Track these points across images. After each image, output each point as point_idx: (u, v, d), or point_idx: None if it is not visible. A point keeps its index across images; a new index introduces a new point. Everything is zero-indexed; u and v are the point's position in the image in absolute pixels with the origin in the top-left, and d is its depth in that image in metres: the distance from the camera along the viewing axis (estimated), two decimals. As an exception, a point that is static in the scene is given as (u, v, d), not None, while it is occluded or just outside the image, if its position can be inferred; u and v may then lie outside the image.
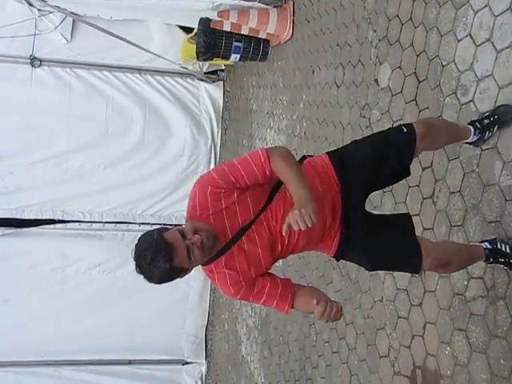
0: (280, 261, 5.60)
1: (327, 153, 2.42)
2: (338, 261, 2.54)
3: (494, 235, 2.65)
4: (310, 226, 1.88)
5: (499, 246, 2.55)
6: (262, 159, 2.13)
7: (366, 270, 2.55)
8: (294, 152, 5.34)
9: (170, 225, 7.93)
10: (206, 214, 2.18)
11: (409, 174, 2.49)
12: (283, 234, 2.02)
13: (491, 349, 2.59)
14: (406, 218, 2.50)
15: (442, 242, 2.92)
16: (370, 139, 2.48)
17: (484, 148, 2.77)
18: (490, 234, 2.66)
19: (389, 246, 2.39)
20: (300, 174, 2.08)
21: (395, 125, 3.42)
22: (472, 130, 2.65)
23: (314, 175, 2.28)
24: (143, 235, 2.08)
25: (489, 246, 2.58)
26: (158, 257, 1.99)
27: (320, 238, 2.35)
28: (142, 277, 2.07)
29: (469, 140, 2.69)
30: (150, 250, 2.00)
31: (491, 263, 2.62)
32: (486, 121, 2.65)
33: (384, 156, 2.35)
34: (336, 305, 2.04)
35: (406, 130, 2.38)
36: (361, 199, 2.42)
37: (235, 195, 2.17)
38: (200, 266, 2.21)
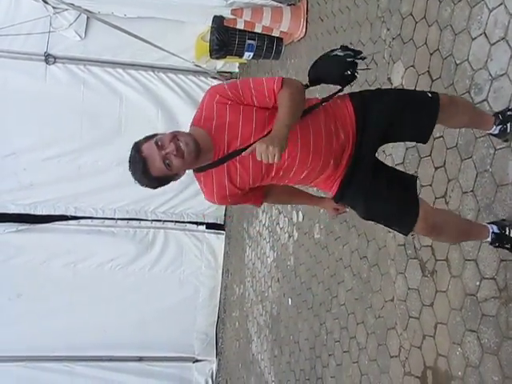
0: (291, 259, 5.63)
1: (350, 96, 2.38)
2: (337, 202, 2.51)
3: (504, 216, 2.63)
4: (269, 162, 1.94)
5: (507, 232, 2.52)
6: (275, 85, 2.18)
7: (361, 217, 2.54)
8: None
9: (183, 222, 7.98)
10: (210, 124, 2.21)
11: (425, 140, 2.44)
12: (243, 154, 2.11)
13: (503, 350, 2.56)
14: (413, 178, 2.48)
15: (441, 210, 2.90)
16: (396, 89, 2.52)
17: (498, 147, 2.74)
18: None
19: (389, 197, 2.37)
20: (294, 116, 2.10)
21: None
22: (493, 119, 2.61)
23: (330, 116, 2.29)
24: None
25: (496, 230, 2.54)
26: (136, 170, 2.14)
27: (319, 175, 2.34)
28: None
29: (491, 131, 2.64)
30: (129, 164, 2.17)
31: (496, 247, 2.58)
32: (508, 112, 2.60)
33: (407, 105, 2.36)
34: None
35: (430, 95, 2.40)
36: (374, 146, 2.39)
37: (241, 113, 2.19)
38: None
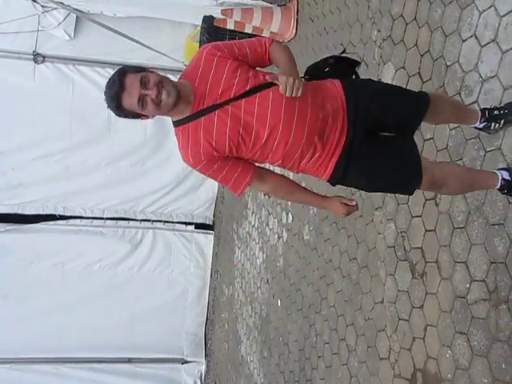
0: (281, 260, 5.62)
1: (341, 80, 2.36)
2: (334, 185, 2.43)
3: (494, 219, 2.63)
4: (294, 95, 1.97)
5: None
6: (266, 39, 2.30)
7: (363, 190, 2.55)
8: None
9: (171, 222, 7.96)
10: (196, 72, 2.21)
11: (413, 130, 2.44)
12: (268, 78, 2.14)
13: (493, 353, 2.56)
14: (414, 143, 2.44)
15: (441, 162, 2.88)
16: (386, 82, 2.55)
17: (488, 149, 2.74)
18: (492, 237, 2.64)
19: (390, 170, 2.35)
20: (295, 64, 2.20)
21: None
22: (480, 114, 2.62)
23: (319, 91, 2.27)
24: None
25: (507, 177, 2.49)
26: (110, 92, 2.10)
27: (304, 157, 2.27)
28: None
29: (476, 125, 2.65)
30: (107, 83, 2.13)
31: (504, 193, 2.54)
32: (495, 112, 2.61)
33: (397, 95, 2.38)
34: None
35: (418, 91, 2.47)
36: (366, 125, 2.30)
37: (227, 67, 2.19)
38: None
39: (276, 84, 2.11)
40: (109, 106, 2.13)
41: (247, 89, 2.17)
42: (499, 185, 2.49)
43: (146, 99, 2.08)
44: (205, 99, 2.18)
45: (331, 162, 2.29)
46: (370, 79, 2.60)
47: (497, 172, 2.53)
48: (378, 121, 2.32)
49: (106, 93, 2.12)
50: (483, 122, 2.62)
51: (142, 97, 2.07)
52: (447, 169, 2.56)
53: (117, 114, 2.17)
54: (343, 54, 2.47)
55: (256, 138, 2.20)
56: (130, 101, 2.08)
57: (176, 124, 2.25)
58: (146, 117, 2.19)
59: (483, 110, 2.64)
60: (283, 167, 2.36)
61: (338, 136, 2.26)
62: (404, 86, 3.49)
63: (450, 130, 3.02)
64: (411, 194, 2.47)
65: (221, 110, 2.17)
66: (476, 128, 2.70)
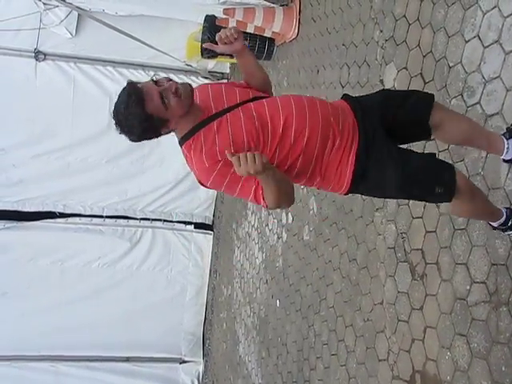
0: (280, 260, 5.61)
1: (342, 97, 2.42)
2: (361, 177, 2.22)
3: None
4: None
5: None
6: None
7: (390, 197, 2.43)
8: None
9: (171, 221, 7.97)
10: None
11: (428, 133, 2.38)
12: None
13: (493, 355, 2.55)
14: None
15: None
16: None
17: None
18: (494, 239, 2.63)
19: (421, 156, 2.33)
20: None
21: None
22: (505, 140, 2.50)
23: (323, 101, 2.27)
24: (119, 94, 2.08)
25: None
26: (130, 102, 1.99)
27: (325, 144, 2.18)
28: (125, 138, 2.11)
29: (503, 156, 2.53)
30: (122, 100, 2.01)
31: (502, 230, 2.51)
32: None
33: (400, 94, 2.39)
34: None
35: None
36: (377, 118, 2.27)
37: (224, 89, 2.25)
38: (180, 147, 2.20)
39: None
40: (128, 125, 2.02)
41: (251, 96, 2.21)
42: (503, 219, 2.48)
43: (166, 94, 2.02)
44: (211, 109, 2.16)
45: (353, 147, 2.21)
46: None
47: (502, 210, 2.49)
48: (386, 119, 2.28)
49: (124, 109, 2.01)
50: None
51: (161, 93, 2.01)
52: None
53: (139, 132, 2.06)
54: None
55: (273, 129, 2.14)
56: (153, 101, 2.00)
57: (185, 138, 2.15)
58: (167, 127, 2.11)
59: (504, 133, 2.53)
60: (306, 175, 2.25)
61: (352, 123, 2.24)
62: (406, 88, 3.49)
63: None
64: (452, 190, 2.19)
65: (231, 112, 2.15)
66: (505, 161, 2.56)
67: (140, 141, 2.14)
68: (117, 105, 2.04)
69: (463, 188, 2.20)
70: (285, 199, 2.13)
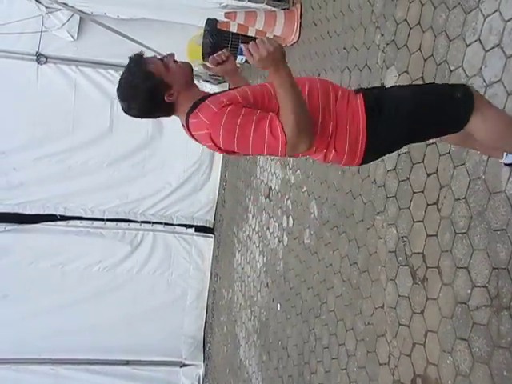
0: (281, 264, 5.61)
1: (362, 93, 2.17)
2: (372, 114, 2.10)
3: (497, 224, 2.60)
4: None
5: None
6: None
7: (405, 116, 2.10)
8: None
9: (172, 224, 7.97)
10: None
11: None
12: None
13: (494, 359, 2.54)
14: None
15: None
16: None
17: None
18: (495, 242, 2.62)
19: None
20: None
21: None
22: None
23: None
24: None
25: None
26: (131, 65, 2.08)
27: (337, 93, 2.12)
28: (128, 115, 2.15)
29: (504, 160, 2.51)
30: (124, 70, 2.10)
31: None
32: None
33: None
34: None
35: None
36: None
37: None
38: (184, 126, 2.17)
39: None
40: (137, 87, 2.05)
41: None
42: None
43: (166, 60, 2.11)
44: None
45: (359, 94, 2.15)
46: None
47: None
48: None
49: (129, 74, 2.08)
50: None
51: (162, 59, 2.11)
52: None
53: (151, 94, 2.05)
54: None
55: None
56: (153, 63, 2.07)
57: (190, 111, 2.09)
58: (171, 96, 2.08)
59: None
60: (316, 128, 2.06)
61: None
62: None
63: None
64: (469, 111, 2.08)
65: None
66: (506, 165, 2.52)
67: (145, 113, 2.15)
68: (120, 81, 2.12)
69: (480, 96, 2.18)
70: (304, 119, 1.94)
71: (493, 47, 2.77)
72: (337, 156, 2.15)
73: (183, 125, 2.18)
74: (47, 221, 7.53)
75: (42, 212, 7.50)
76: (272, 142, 1.95)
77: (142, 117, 2.19)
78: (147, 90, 2.05)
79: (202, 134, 2.07)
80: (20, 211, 7.42)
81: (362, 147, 2.10)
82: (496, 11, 2.77)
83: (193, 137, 2.15)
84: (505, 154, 2.47)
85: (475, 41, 2.90)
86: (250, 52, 1.87)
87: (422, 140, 2.39)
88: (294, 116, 1.91)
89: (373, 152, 2.16)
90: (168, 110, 2.15)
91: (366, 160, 2.17)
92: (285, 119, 1.93)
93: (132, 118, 2.17)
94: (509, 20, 2.68)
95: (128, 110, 2.13)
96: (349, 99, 2.13)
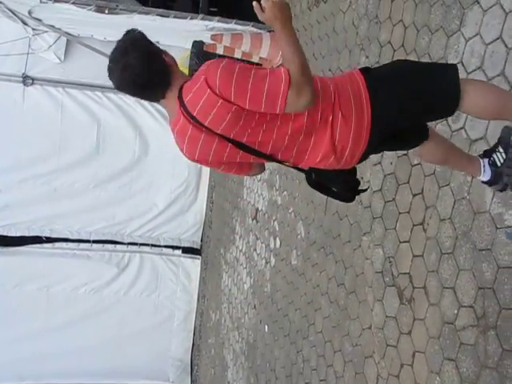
0: (268, 285, 5.57)
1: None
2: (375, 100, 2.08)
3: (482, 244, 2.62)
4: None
5: None
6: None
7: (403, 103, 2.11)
8: (284, 174, 5.33)
9: (159, 246, 7.94)
10: None
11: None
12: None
13: (482, 379, 2.54)
14: None
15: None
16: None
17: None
18: (480, 262, 2.63)
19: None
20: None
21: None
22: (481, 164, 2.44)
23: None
24: None
25: None
26: (126, 38, 2.09)
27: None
28: (120, 88, 2.08)
29: (481, 177, 2.47)
30: (117, 47, 2.08)
31: None
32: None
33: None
34: None
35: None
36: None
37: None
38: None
39: None
40: (135, 48, 2.02)
41: None
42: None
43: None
44: None
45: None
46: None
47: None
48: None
49: (124, 46, 2.07)
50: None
51: None
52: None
53: (149, 54, 2.02)
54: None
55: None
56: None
57: (184, 84, 2.06)
58: (169, 66, 2.06)
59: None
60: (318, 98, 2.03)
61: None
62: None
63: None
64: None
65: None
66: (483, 182, 2.48)
67: (142, 73, 1.99)
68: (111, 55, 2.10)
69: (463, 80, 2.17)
70: (307, 66, 1.93)
71: (475, 69, 2.81)
72: (345, 125, 2.05)
73: (180, 110, 2.03)
74: (33, 243, 7.47)
75: (27, 234, 7.44)
76: (274, 84, 1.92)
77: (136, 84, 2.01)
78: (147, 44, 2.05)
79: (205, 101, 1.95)
80: (5, 233, 7.36)
81: (369, 113, 2.05)
82: (477, 35, 2.82)
83: (192, 119, 2.00)
84: (482, 170, 2.46)
85: (458, 63, 2.94)
86: (260, 7, 1.89)
87: (422, 114, 2.23)
88: (298, 59, 1.91)
89: (378, 121, 2.07)
90: (164, 75, 2.03)
91: (372, 136, 2.07)
92: (290, 61, 1.93)
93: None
94: (489, 43, 2.72)
95: (123, 71, 2.01)
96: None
